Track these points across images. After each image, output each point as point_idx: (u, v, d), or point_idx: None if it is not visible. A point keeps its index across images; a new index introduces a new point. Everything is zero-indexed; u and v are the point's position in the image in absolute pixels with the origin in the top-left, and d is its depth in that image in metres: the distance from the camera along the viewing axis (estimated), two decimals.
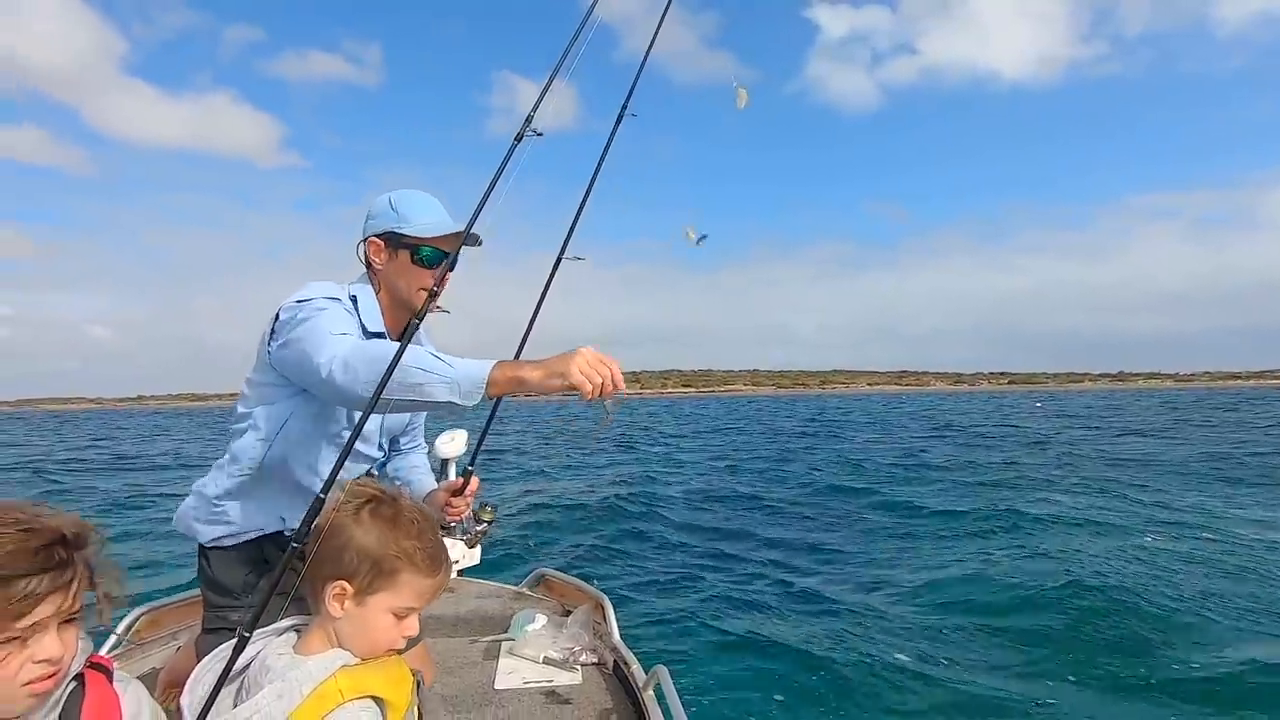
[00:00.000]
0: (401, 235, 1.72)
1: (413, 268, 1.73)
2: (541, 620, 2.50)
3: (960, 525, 7.88)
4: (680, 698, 1.83)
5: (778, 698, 3.74)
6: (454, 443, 2.19)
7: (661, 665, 1.96)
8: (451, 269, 1.66)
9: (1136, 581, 5.29)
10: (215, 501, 1.75)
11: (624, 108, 2.09)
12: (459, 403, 1.33)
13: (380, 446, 1.95)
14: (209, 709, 1.03)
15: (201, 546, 1.78)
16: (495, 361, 1.35)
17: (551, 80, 1.63)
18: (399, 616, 1.09)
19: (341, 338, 1.48)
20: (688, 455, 18.13)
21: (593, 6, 1.76)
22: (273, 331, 1.63)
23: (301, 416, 1.69)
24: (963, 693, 3.71)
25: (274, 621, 1.16)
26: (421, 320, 1.51)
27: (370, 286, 1.76)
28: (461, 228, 1.61)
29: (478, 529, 2.07)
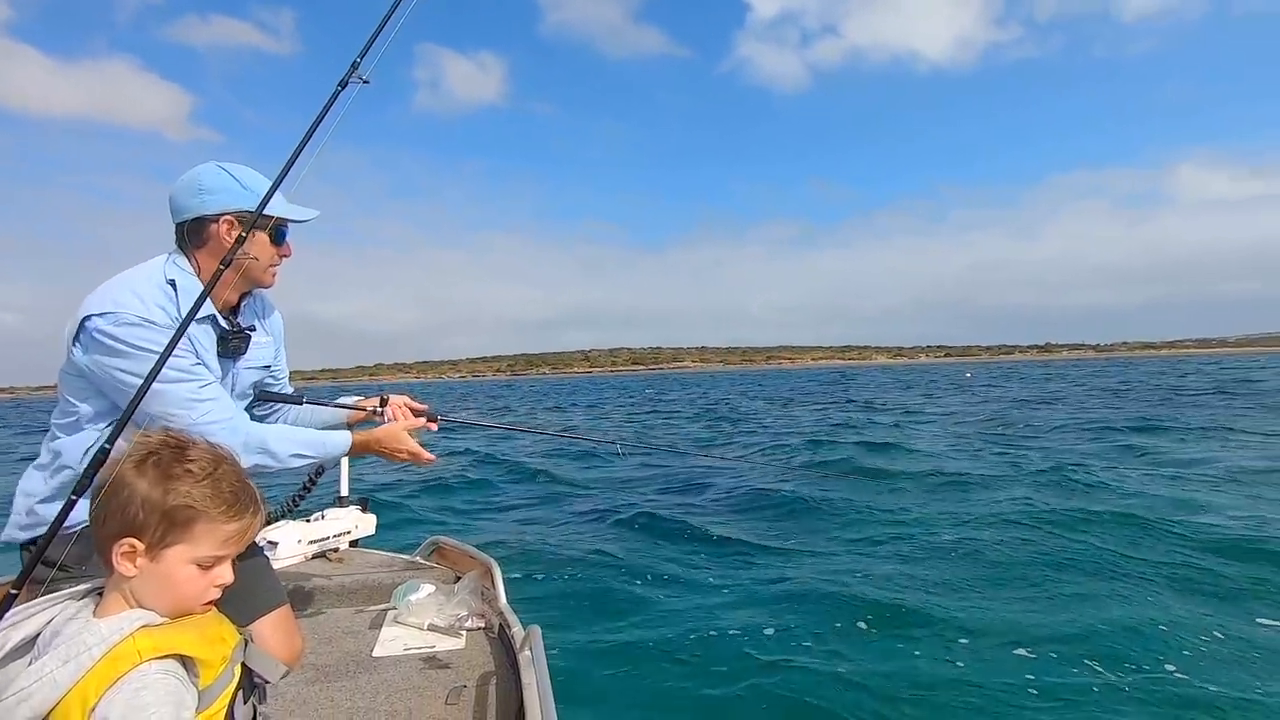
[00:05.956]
0: (261, 214, 1.68)
1: (270, 246, 1.76)
2: (428, 589, 2.46)
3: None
4: (551, 657, 1.80)
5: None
6: None
7: (534, 625, 1.94)
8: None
9: None
10: (41, 504, 1.63)
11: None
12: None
13: None
14: None
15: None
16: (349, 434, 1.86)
17: (383, 25, 1.66)
18: (204, 567, 1.04)
19: (210, 403, 1.57)
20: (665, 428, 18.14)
21: None
22: (77, 338, 1.54)
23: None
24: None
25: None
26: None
27: (186, 267, 1.68)
28: (316, 212, 1.80)
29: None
